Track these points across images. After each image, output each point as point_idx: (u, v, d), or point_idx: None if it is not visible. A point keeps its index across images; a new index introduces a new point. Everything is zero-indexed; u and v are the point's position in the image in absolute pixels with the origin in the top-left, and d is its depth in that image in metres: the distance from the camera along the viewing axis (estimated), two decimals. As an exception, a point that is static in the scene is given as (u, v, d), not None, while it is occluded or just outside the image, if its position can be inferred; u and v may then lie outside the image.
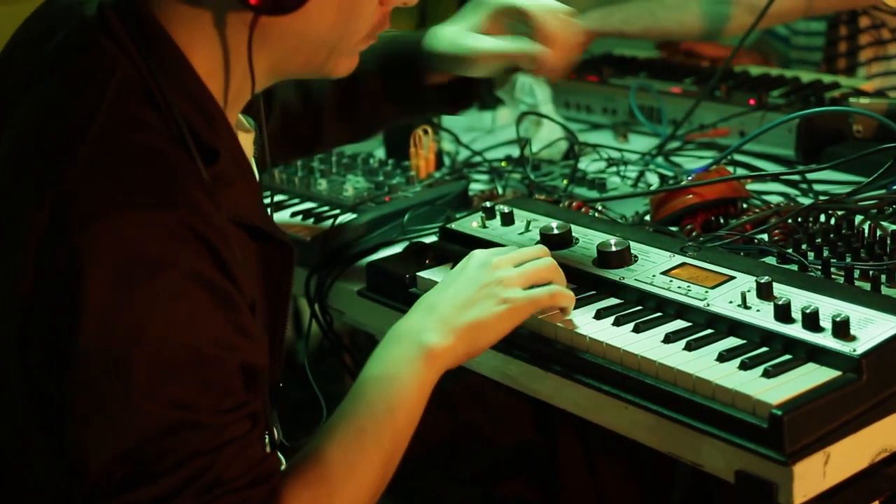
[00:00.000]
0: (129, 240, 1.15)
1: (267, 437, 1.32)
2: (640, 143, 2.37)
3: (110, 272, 1.14)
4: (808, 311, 1.38)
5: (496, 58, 1.70)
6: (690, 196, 1.80)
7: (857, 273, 1.56)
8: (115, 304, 1.13)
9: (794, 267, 1.60)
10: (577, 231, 1.68)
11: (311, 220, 1.97)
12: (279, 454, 1.43)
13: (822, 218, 1.74)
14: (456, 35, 1.72)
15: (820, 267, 1.59)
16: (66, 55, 1.27)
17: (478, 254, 1.48)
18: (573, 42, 1.68)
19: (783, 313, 1.40)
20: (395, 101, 1.81)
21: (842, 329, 1.35)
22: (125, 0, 1.27)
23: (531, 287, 1.46)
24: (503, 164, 2.22)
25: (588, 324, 1.48)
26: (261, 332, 1.29)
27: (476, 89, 1.81)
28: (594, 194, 2.03)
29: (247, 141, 1.43)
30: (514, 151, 2.27)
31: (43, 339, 1.16)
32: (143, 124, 1.22)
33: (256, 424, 1.23)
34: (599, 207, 1.90)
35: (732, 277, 1.51)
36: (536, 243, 1.66)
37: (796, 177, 2.02)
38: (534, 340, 1.49)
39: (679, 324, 1.47)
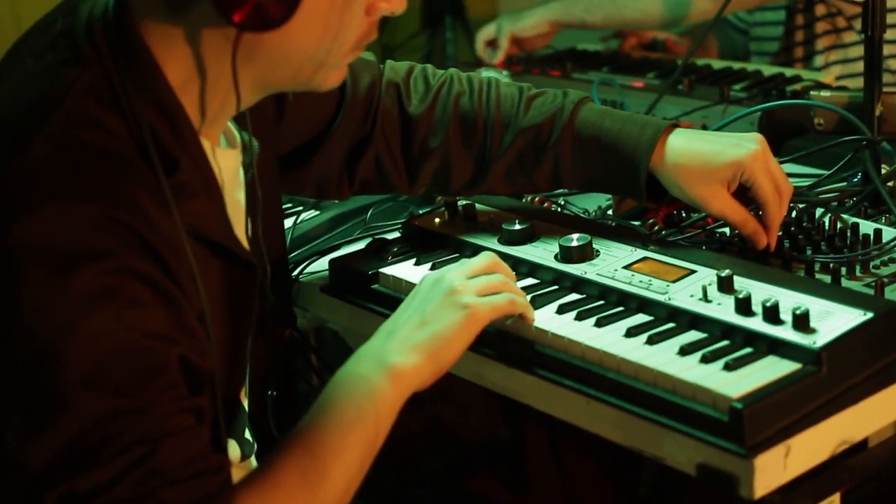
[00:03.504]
0: (65, 232, 1.16)
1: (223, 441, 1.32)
2: (604, 137, 2.36)
3: (45, 264, 1.15)
4: (768, 304, 1.38)
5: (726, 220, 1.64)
6: (653, 190, 1.80)
7: (817, 266, 1.57)
8: (48, 296, 1.14)
9: (755, 260, 1.60)
10: (539, 226, 1.68)
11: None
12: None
13: (784, 211, 1.75)
14: (696, 183, 1.61)
15: (781, 260, 1.59)
16: (48, 49, 1.29)
17: (427, 276, 1.47)
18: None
19: (744, 306, 1.40)
20: (582, 186, 1.75)
21: (802, 322, 1.35)
22: (113, 7, 1.29)
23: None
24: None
25: (550, 319, 1.48)
26: (212, 341, 1.28)
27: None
28: (557, 189, 2.03)
29: (229, 157, 1.41)
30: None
31: None
32: (100, 125, 1.23)
33: (202, 421, 1.23)
34: (562, 202, 1.90)
35: (694, 271, 1.52)
36: (499, 239, 1.67)
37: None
38: (497, 336, 1.49)
39: (641, 318, 1.47)
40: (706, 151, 1.62)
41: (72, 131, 1.21)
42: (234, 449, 1.46)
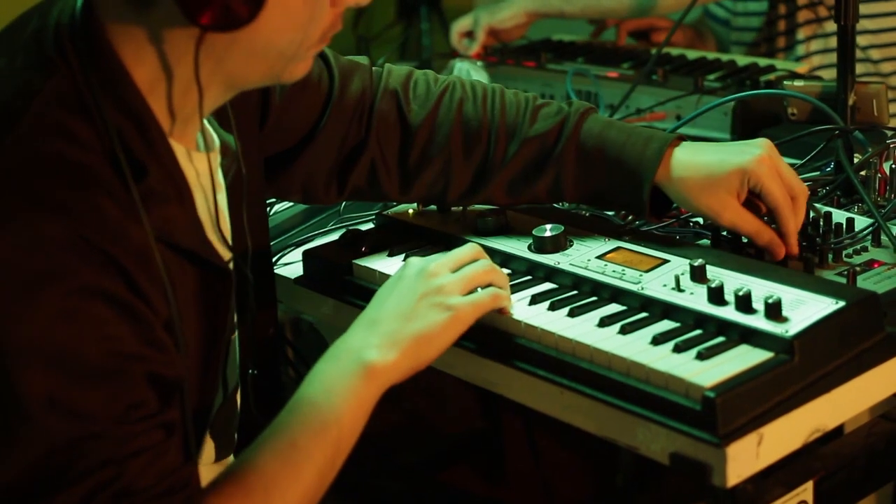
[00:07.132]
0: (30, 250, 1.14)
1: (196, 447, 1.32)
2: (579, 128, 2.36)
3: (9, 283, 1.13)
4: (740, 293, 1.38)
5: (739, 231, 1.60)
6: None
7: (790, 255, 1.58)
8: (13, 316, 1.13)
9: (729, 249, 1.60)
10: (512, 216, 1.68)
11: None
12: None
13: (757, 200, 1.75)
14: (703, 195, 1.58)
15: (754, 249, 1.59)
16: (20, 51, 1.27)
17: (412, 262, 1.45)
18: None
19: (716, 296, 1.40)
20: (583, 199, 1.69)
21: (774, 311, 1.36)
22: (80, 11, 1.26)
23: (471, 291, 1.44)
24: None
25: (524, 309, 1.48)
26: (185, 347, 1.27)
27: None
28: (531, 180, 2.02)
29: (205, 160, 1.39)
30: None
31: None
32: (66, 134, 1.20)
33: (171, 434, 1.22)
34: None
35: (667, 261, 1.52)
36: (472, 230, 1.67)
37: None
38: (472, 327, 1.49)
39: (614, 308, 1.47)
40: (710, 162, 1.58)
41: (37, 142, 1.19)
42: (209, 450, 1.45)
